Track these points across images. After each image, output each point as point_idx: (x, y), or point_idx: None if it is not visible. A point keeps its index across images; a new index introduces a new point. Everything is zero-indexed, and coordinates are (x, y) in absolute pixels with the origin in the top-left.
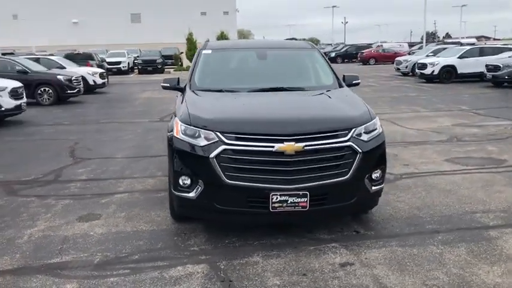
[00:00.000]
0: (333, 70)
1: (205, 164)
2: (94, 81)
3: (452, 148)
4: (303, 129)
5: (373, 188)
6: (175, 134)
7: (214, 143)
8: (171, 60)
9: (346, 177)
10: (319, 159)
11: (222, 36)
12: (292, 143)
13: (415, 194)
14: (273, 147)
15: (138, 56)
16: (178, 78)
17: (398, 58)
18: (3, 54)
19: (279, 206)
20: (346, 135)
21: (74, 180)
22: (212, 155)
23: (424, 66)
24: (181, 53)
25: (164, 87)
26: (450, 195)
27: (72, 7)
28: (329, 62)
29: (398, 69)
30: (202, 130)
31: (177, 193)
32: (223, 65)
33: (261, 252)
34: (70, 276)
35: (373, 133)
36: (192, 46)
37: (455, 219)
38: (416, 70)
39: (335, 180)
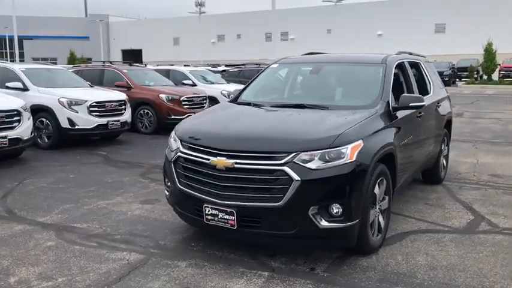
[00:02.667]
0: (383, 90)
1: (170, 167)
2: None
3: None
4: (237, 146)
5: (325, 223)
6: (169, 140)
7: (176, 149)
8: (466, 72)
9: (278, 203)
10: (249, 179)
11: None
12: (224, 158)
13: (470, 253)
14: (208, 159)
15: None
16: (240, 89)
17: None
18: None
19: (212, 219)
20: (282, 158)
21: None
22: (172, 159)
23: None
24: (479, 65)
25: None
26: (510, 266)
27: (378, 19)
28: (390, 80)
29: None
30: (177, 137)
31: (165, 191)
32: (278, 79)
33: (195, 260)
34: (61, 238)
35: (333, 162)
36: (490, 57)
37: None
38: None
39: (266, 204)
